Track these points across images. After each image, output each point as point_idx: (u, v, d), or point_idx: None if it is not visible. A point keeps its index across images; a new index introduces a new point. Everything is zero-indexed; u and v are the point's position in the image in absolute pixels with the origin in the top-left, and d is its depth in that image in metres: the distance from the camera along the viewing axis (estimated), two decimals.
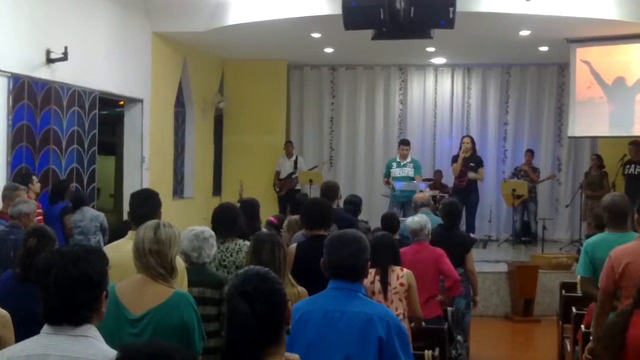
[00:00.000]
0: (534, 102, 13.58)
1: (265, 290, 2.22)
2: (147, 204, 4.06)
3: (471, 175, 11.63)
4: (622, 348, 3.54)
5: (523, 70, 13.59)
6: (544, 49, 11.78)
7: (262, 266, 2.42)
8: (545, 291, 9.66)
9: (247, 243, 4.61)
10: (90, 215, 7.60)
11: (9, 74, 7.30)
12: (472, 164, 11.62)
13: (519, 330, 9.55)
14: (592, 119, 11.01)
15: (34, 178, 7.25)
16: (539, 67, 13.48)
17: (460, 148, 11.84)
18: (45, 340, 2.18)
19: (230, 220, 4.89)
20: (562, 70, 13.10)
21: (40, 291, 2.22)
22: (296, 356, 2.33)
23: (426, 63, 13.60)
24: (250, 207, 7.38)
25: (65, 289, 2.17)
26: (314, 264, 4.24)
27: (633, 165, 11.29)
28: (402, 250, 6.15)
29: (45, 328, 2.21)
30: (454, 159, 11.89)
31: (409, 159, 11.33)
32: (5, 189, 6.48)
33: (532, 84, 13.58)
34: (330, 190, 7.37)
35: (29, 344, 2.23)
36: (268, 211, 9.88)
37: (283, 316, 2.25)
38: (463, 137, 12.11)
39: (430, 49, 12.13)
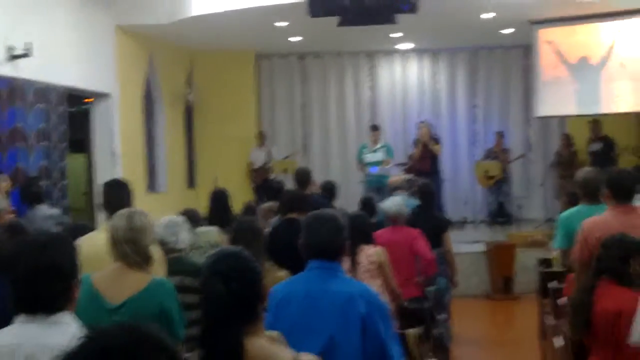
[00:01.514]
0: (501, 84, 13.66)
1: (240, 268, 2.22)
2: (119, 193, 4.01)
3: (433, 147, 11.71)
4: (589, 323, 3.58)
5: (490, 53, 13.65)
6: (508, 31, 11.84)
7: None
8: (523, 269, 9.73)
9: (214, 228, 4.63)
10: (43, 214, 6.86)
11: None
12: (429, 147, 11.70)
13: (500, 308, 9.64)
14: (559, 98, 11.14)
15: (2, 176, 7.09)
16: (505, 50, 13.54)
17: (417, 134, 11.92)
18: (19, 329, 2.14)
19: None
20: (527, 52, 13.16)
21: (10, 281, 2.16)
22: (275, 333, 2.32)
23: (393, 49, 13.59)
24: (220, 198, 7.38)
25: (36, 279, 2.13)
26: (287, 246, 4.23)
27: (595, 143, 11.52)
28: (378, 232, 6.17)
29: (19, 317, 2.16)
30: (415, 144, 12.00)
31: (380, 144, 11.41)
32: None
33: (499, 66, 13.66)
34: (302, 175, 7.37)
35: (2, 334, 2.19)
36: (243, 201, 9.81)
37: (259, 294, 2.25)
38: (419, 123, 12.24)
39: (397, 35, 12.13)
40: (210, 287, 2.18)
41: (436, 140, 11.93)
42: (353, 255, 5.16)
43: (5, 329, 2.19)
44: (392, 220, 6.24)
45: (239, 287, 2.17)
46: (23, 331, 2.12)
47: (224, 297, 2.15)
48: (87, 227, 4.56)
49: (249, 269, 2.25)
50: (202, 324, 2.21)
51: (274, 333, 2.31)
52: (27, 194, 7.16)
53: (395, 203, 6.27)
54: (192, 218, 5.20)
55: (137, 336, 1.52)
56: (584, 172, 5.16)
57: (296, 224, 4.94)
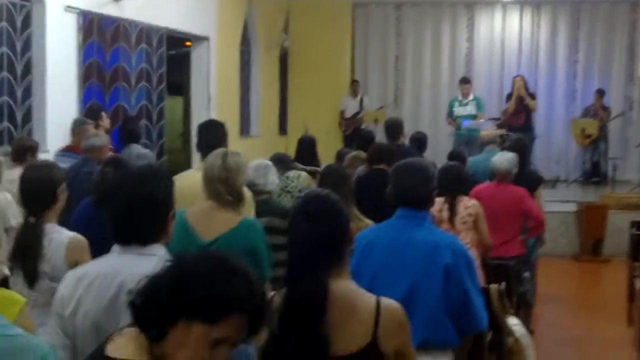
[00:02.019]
0: (605, 40, 13.13)
1: (327, 210, 2.23)
2: (214, 133, 4.12)
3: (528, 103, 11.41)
4: None
5: (594, 6, 13.12)
6: None
7: None
8: (615, 231, 9.47)
9: (304, 173, 4.71)
10: (137, 153, 6.94)
11: (78, 11, 7.39)
12: (525, 101, 11.38)
13: (588, 269, 9.46)
14: None
15: (103, 114, 7.36)
16: (611, 4, 13.01)
17: (512, 87, 11.60)
18: (114, 259, 2.22)
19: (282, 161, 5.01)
20: (634, 6, 12.62)
21: (108, 212, 2.27)
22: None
23: (494, 0, 13.20)
24: (308, 144, 7.56)
25: (132, 209, 2.20)
26: (372, 195, 4.28)
27: None
28: (479, 187, 6.13)
29: (115, 247, 2.25)
30: (508, 98, 11.69)
31: (471, 97, 11.24)
32: (74, 122, 6.62)
33: (603, 21, 13.12)
34: (394, 126, 7.36)
35: (98, 263, 2.29)
36: (334, 150, 9.88)
37: (345, 236, 2.26)
38: (514, 77, 11.87)
39: None
40: (297, 228, 2.21)
41: (532, 96, 11.63)
42: (452, 205, 5.16)
43: (101, 258, 2.30)
44: (499, 176, 6.11)
45: (326, 228, 2.18)
46: (118, 261, 2.20)
47: (310, 238, 2.16)
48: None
49: (336, 210, 2.25)
50: (288, 264, 2.24)
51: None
52: (124, 132, 7.42)
53: (506, 159, 6.11)
54: (283, 162, 5.29)
55: (217, 264, 1.60)
56: None
57: (383, 175, 4.98)
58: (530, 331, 6.00)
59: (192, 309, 1.55)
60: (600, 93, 12.36)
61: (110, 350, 1.65)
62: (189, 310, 1.55)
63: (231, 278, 1.58)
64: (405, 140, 7.80)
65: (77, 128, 6.45)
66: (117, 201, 2.24)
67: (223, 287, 1.56)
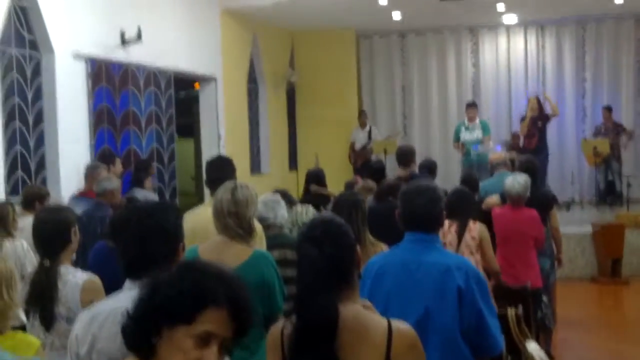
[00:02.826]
0: (611, 56, 13.15)
1: (333, 233, 2.25)
2: (222, 169, 4.16)
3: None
4: None
5: (599, 24, 13.17)
6: (619, 1, 11.35)
7: None
8: (633, 251, 9.41)
9: (312, 207, 4.75)
10: (142, 196, 6.74)
11: (87, 58, 7.52)
12: (539, 122, 11.37)
13: (607, 291, 9.35)
14: None
15: (117, 160, 7.46)
16: (616, 20, 13.04)
17: (526, 108, 11.61)
18: (126, 295, 2.24)
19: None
20: (638, 21, 12.62)
21: (118, 245, 2.29)
22: (366, 301, 2.36)
23: (497, 23, 13.30)
24: (315, 177, 7.65)
25: (142, 241, 2.23)
26: (382, 227, 4.29)
27: None
28: (497, 211, 6.13)
29: (127, 283, 2.28)
30: (522, 120, 11.68)
31: (477, 121, 11.27)
32: (87, 168, 6.70)
33: (608, 38, 13.16)
34: (405, 154, 7.38)
35: (111, 300, 2.32)
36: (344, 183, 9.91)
37: (353, 259, 2.27)
38: (529, 98, 11.89)
39: (501, 7, 11.86)
40: (305, 252, 2.22)
41: (547, 117, 11.60)
42: (460, 229, 5.16)
43: (114, 295, 2.33)
44: (512, 199, 6.12)
45: (333, 251, 2.20)
46: (130, 296, 2.18)
47: (318, 262, 2.18)
48: None
49: (342, 233, 2.27)
50: (298, 290, 2.25)
51: (366, 301, 2.35)
52: (134, 177, 7.55)
53: (518, 182, 6.11)
54: (285, 198, 5.34)
55: (187, 268, 1.68)
56: None
57: (392, 207, 5.00)
58: (551, 356, 5.94)
59: (167, 313, 1.59)
60: (609, 110, 12.33)
61: None
62: (165, 316, 1.59)
63: (199, 276, 1.63)
64: (415, 168, 7.81)
65: (90, 173, 6.51)
66: (127, 233, 2.28)
67: (191, 284, 1.61)
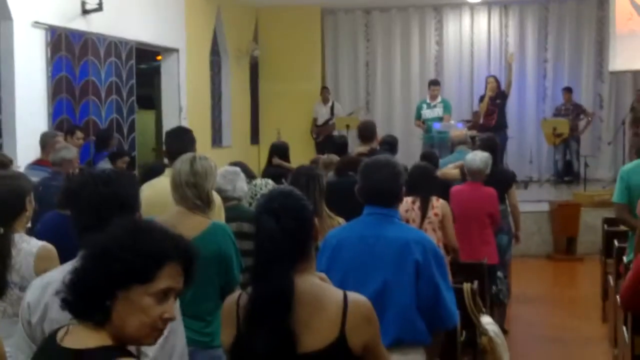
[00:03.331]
0: (573, 37, 13.29)
1: (291, 206, 2.25)
2: (181, 140, 4.13)
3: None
4: None
5: (561, 4, 13.29)
6: None
7: None
8: (588, 229, 9.57)
9: (270, 181, 4.74)
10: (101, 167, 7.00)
11: (47, 26, 7.37)
12: (497, 100, 11.48)
13: (562, 268, 9.53)
14: (634, 52, 10.76)
15: (77, 131, 7.37)
16: (578, 2, 13.19)
17: (485, 88, 11.71)
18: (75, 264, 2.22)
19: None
20: (601, 3, 12.80)
21: (73, 212, 2.26)
22: (322, 274, 2.37)
23: (462, 2, 13.34)
24: (280, 149, 7.64)
25: (97, 208, 2.20)
26: (341, 201, 4.31)
27: None
28: (455, 188, 6.19)
29: (80, 252, 2.25)
30: (481, 99, 11.79)
31: (438, 100, 11.33)
32: (44, 135, 6.57)
33: (570, 18, 13.28)
34: (367, 129, 7.39)
35: (66, 268, 2.27)
36: (306, 157, 9.90)
37: (310, 232, 2.28)
38: (487, 77, 11.96)
39: None
40: (262, 224, 2.21)
41: (503, 94, 11.68)
42: (422, 205, 5.20)
43: (69, 264, 2.27)
44: (472, 175, 6.17)
45: (290, 223, 2.20)
46: None
47: (275, 234, 2.18)
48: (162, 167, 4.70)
49: (300, 206, 2.27)
50: (255, 261, 2.25)
51: (321, 274, 2.37)
52: (97, 141, 7.47)
53: (479, 158, 6.13)
54: (244, 171, 5.34)
55: (136, 230, 1.71)
56: None
57: (351, 181, 5.01)
58: (505, 330, 6.05)
59: (125, 276, 1.61)
60: (569, 91, 12.49)
61: (71, 343, 1.65)
62: (123, 279, 1.61)
63: (152, 235, 1.67)
64: (377, 144, 7.83)
65: (48, 141, 6.39)
66: (81, 201, 2.24)
67: (148, 244, 1.64)
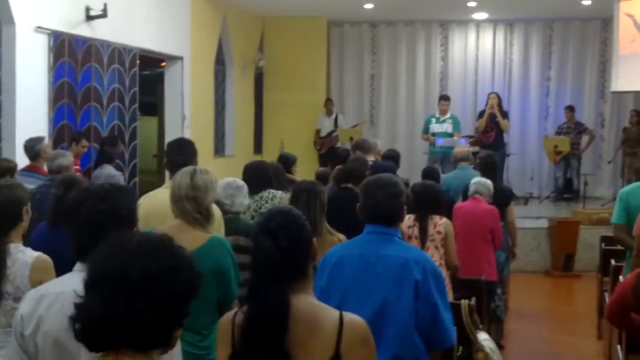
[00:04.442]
0: (576, 57, 13.34)
1: (289, 226, 2.23)
2: (182, 151, 4.10)
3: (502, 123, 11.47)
4: None
5: (566, 24, 13.32)
6: (587, 2, 11.52)
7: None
8: (586, 247, 9.59)
9: (280, 192, 4.67)
10: (107, 174, 7.08)
11: (49, 31, 7.38)
12: (497, 119, 11.48)
13: (559, 284, 9.53)
14: (636, 73, 10.78)
15: (84, 141, 7.38)
16: (582, 22, 13.21)
17: (486, 104, 11.71)
18: (77, 277, 2.16)
19: (260, 178, 4.94)
20: (605, 24, 12.83)
21: (70, 228, 2.25)
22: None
23: (468, 19, 13.38)
24: (284, 162, 7.58)
25: (95, 225, 2.19)
26: (340, 214, 4.30)
27: None
28: (458, 205, 6.22)
29: (77, 266, 2.24)
30: (480, 115, 11.78)
31: (448, 115, 11.32)
32: (32, 141, 6.29)
33: (575, 38, 13.33)
34: (361, 144, 7.40)
35: (60, 282, 2.28)
36: (309, 169, 9.91)
37: (308, 252, 2.27)
38: (489, 94, 11.98)
39: (472, 4, 11.96)
40: (259, 244, 2.20)
41: (504, 114, 11.70)
42: (422, 224, 5.19)
43: (64, 277, 2.28)
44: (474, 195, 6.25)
45: (288, 243, 2.19)
46: (80, 279, 2.17)
47: (272, 254, 2.17)
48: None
49: (299, 226, 2.26)
50: (251, 280, 2.23)
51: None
52: (99, 153, 7.45)
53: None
54: (261, 178, 5.25)
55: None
56: None
57: (350, 194, 5.00)
58: (501, 346, 6.05)
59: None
60: (571, 109, 12.52)
61: None
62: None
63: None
64: (379, 156, 7.85)
65: (39, 147, 6.24)
66: (79, 217, 2.23)
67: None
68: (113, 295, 1.57)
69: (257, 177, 4.93)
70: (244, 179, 4.88)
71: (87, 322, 1.59)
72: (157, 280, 1.59)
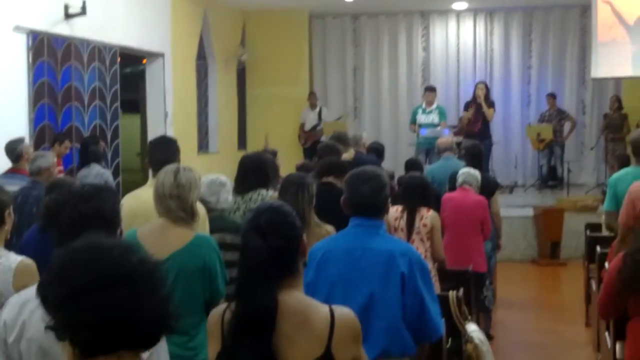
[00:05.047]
0: (557, 45, 13.37)
1: (278, 223, 2.22)
2: (165, 149, 4.07)
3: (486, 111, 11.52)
4: None
5: (546, 12, 13.36)
6: None
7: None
8: (572, 234, 9.63)
9: (270, 192, 4.62)
10: (96, 172, 6.98)
11: (28, 31, 7.30)
12: (482, 109, 11.50)
13: (546, 273, 9.57)
14: (615, 59, 10.87)
15: (67, 142, 7.31)
16: (562, 9, 13.24)
17: (474, 93, 11.73)
18: None
19: (258, 170, 4.85)
20: (584, 11, 12.88)
21: (54, 231, 2.23)
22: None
23: (448, 9, 13.39)
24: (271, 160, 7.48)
25: (78, 227, 2.16)
26: (322, 209, 4.28)
27: None
28: (447, 195, 6.21)
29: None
30: (466, 107, 11.79)
31: (434, 106, 11.33)
32: (13, 143, 6.21)
33: (554, 26, 13.37)
34: (340, 138, 7.36)
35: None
36: (294, 163, 9.87)
37: (298, 249, 2.26)
38: (477, 83, 11.99)
39: None
40: (248, 241, 2.19)
41: (490, 104, 11.71)
42: (410, 216, 5.18)
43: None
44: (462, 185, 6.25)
45: (277, 241, 2.18)
46: None
47: (261, 251, 2.16)
48: None
49: (288, 223, 2.25)
50: (239, 277, 2.23)
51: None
52: (84, 153, 7.37)
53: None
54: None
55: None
56: (635, 132, 5.13)
57: (332, 188, 4.97)
58: (490, 337, 6.07)
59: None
60: (553, 97, 12.56)
61: None
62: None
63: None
64: (363, 149, 7.83)
65: (20, 148, 6.15)
66: (62, 219, 2.20)
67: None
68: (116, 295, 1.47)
69: (254, 172, 4.82)
70: (240, 172, 4.82)
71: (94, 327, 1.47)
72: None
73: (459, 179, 6.27)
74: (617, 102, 11.88)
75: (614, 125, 11.68)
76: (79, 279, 1.42)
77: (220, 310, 2.27)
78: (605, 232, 6.91)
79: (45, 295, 1.47)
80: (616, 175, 5.04)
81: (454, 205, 6.07)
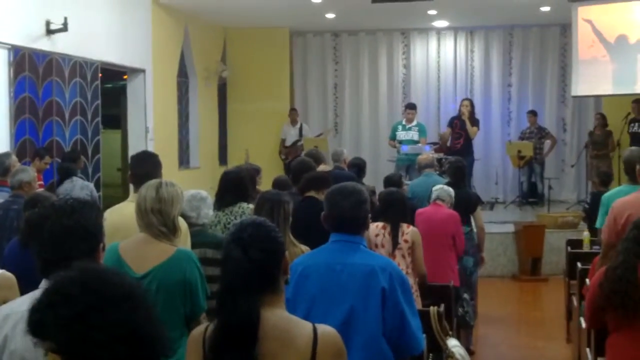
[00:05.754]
0: (537, 63, 13.49)
1: (260, 237, 2.22)
2: (146, 164, 4.07)
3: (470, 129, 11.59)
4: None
5: (525, 31, 13.49)
6: (545, 9, 11.68)
7: None
8: (553, 250, 9.70)
9: (251, 205, 4.63)
10: (80, 185, 7.16)
11: (9, 46, 7.28)
12: (465, 127, 11.59)
13: (527, 289, 9.60)
14: (595, 77, 10.96)
15: (47, 157, 7.29)
16: (542, 28, 13.38)
17: (459, 110, 11.81)
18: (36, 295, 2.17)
19: (238, 189, 4.88)
20: (564, 30, 13.02)
21: (35, 245, 2.21)
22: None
23: (428, 27, 13.49)
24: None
25: (61, 241, 2.15)
26: (303, 224, 4.27)
27: (637, 123, 11.30)
28: (420, 210, 6.23)
29: (43, 283, 2.19)
30: (451, 122, 11.86)
31: (414, 123, 11.40)
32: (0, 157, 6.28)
33: (535, 45, 13.50)
34: (313, 155, 7.40)
35: (27, 299, 2.22)
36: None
37: (279, 264, 2.25)
38: (462, 100, 12.08)
39: (432, 12, 12.06)
40: (230, 254, 2.19)
41: (475, 122, 11.77)
42: (394, 232, 5.18)
43: (30, 294, 2.21)
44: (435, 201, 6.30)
45: (259, 255, 2.17)
46: None
47: (243, 265, 2.15)
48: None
49: (270, 238, 2.24)
50: (221, 291, 2.21)
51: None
52: (59, 169, 7.38)
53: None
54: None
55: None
56: (629, 150, 5.22)
57: (313, 203, 4.98)
58: (471, 352, 6.08)
59: None
60: (534, 114, 12.67)
61: None
62: None
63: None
64: (345, 165, 7.86)
65: (5, 163, 6.19)
66: (44, 233, 2.19)
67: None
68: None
69: (233, 188, 4.86)
70: (221, 188, 4.85)
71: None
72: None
73: (433, 195, 6.32)
74: (602, 119, 11.97)
75: (598, 142, 11.77)
76: (86, 299, 1.43)
77: (201, 329, 2.26)
78: (586, 249, 6.98)
79: (41, 319, 1.46)
80: (609, 193, 5.13)
81: (425, 219, 6.09)
